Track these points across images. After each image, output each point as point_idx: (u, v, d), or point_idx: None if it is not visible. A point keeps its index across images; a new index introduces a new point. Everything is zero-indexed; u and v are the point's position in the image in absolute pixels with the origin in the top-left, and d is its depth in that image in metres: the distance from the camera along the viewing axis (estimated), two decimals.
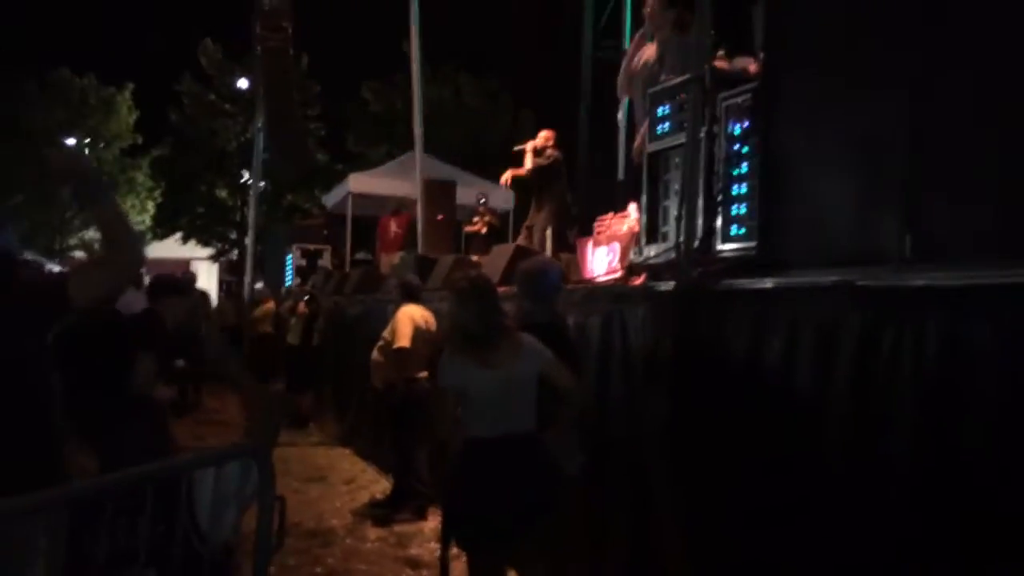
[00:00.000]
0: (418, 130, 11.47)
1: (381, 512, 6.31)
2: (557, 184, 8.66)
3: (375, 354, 6.57)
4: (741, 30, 5.64)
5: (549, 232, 8.48)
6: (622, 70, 6.15)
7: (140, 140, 33.78)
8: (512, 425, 3.47)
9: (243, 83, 28.51)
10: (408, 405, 6.30)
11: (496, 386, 3.45)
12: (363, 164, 23.36)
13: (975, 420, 2.35)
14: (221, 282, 32.83)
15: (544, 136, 8.89)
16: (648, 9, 5.69)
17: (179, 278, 5.72)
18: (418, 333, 6.28)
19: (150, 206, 33.70)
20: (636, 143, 5.88)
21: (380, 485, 7.06)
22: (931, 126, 2.86)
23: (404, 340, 6.25)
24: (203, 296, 11.32)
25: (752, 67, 4.54)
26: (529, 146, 8.81)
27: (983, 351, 2.32)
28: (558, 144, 8.87)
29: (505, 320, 3.67)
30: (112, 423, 2.88)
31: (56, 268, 21.36)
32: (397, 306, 6.59)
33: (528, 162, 8.73)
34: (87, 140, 32.92)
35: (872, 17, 3.19)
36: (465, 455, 3.57)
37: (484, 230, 11.91)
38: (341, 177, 19.43)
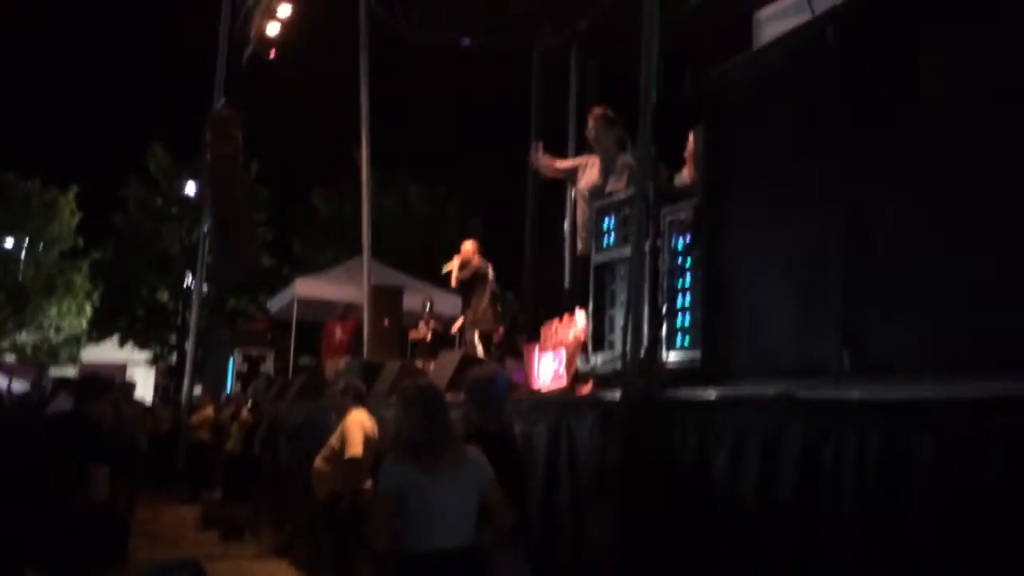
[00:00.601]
0: (367, 235, 11.56)
1: None
2: (481, 291, 9.49)
3: (319, 463, 6.35)
4: (681, 147, 5.88)
5: (476, 336, 9.48)
6: (550, 168, 6.42)
7: (81, 243, 33.30)
8: (452, 538, 3.36)
9: (191, 188, 28.54)
10: (355, 517, 6.11)
11: (438, 496, 3.35)
12: (309, 268, 23.31)
13: (916, 531, 2.38)
14: (157, 386, 32.00)
15: (467, 249, 9.80)
16: (591, 132, 5.91)
17: (104, 377, 5.49)
18: (367, 440, 6.17)
19: (88, 308, 32.96)
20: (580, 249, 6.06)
21: None
22: (866, 243, 2.98)
23: (356, 448, 6.11)
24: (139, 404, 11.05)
25: (689, 180, 4.73)
26: (456, 262, 9.70)
27: (923, 464, 2.37)
28: (484, 253, 9.78)
29: (451, 429, 3.63)
30: (71, 537, 2.76)
31: None
32: (341, 411, 6.46)
33: (453, 279, 9.71)
34: (26, 242, 32.33)
35: (806, 138, 3.37)
36: (401, 570, 3.45)
37: (429, 337, 11.92)
38: (286, 282, 19.35)
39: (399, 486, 3.40)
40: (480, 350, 9.25)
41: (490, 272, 9.78)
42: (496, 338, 9.49)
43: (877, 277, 2.93)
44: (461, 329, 9.77)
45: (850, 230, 3.03)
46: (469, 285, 9.67)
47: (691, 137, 5.32)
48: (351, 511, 6.11)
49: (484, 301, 9.61)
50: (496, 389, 4.09)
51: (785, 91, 3.48)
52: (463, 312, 9.96)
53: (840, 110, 3.12)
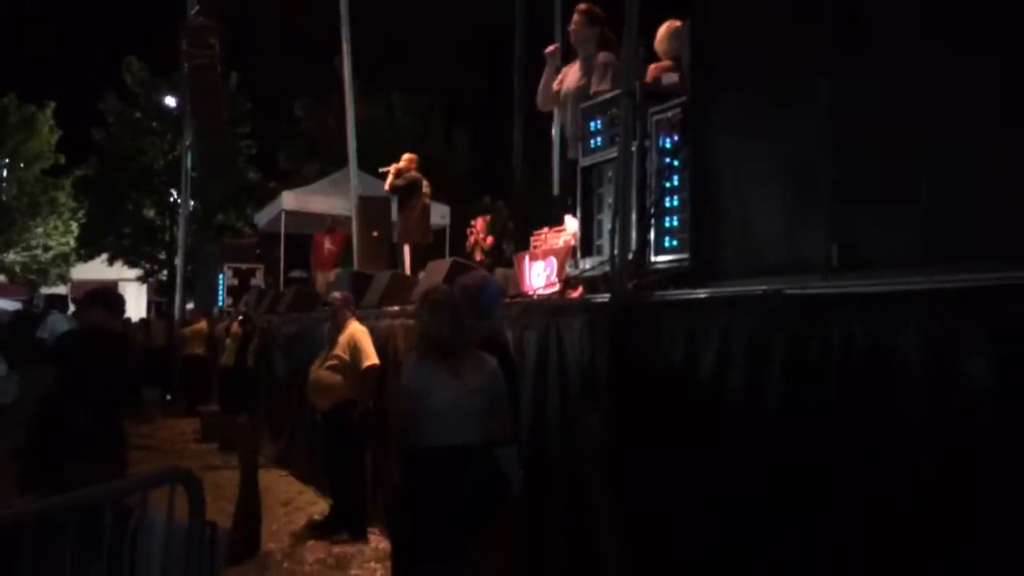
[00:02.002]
0: (352, 146, 11.41)
1: (319, 534, 6.21)
2: (415, 203, 10.02)
3: (323, 373, 6.35)
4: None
5: (406, 249, 10.19)
6: (541, 87, 6.19)
7: (62, 160, 32.74)
8: (465, 436, 3.55)
9: (170, 101, 27.92)
10: (366, 424, 6.20)
11: (457, 396, 3.56)
12: (295, 182, 23.04)
13: (902, 423, 2.42)
14: (150, 303, 32.05)
15: (406, 159, 10.37)
16: (573, 27, 5.75)
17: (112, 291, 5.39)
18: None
19: (74, 227, 32.67)
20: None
21: (318, 507, 6.95)
22: (854, 138, 2.95)
23: (373, 357, 6.18)
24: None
25: (677, 79, 4.63)
26: (392, 168, 10.25)
27: (908, 355, 2.39)
28: (420, 167, 10.38)
29: (471, 335, 3.73)
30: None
31: None
32: (339, 322, 6.45)
33: (387, 183, 10.24)
34: (6, 161, 31.81)
35: (793, 33, 3.29)
36: (415, 463, 3.64)
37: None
38: (273, 195, 19.17)
39: (422, 382, 3.62)
40: (408, 263, 9.94)
41: (424, 186, 10.27)
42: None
43: (865, 173, 2.91)
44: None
45: (837, 127, 2.99)
46: (404, 195, 10.13)
47: (662, 29, 5.19)
48: (371, 417, 6.19)
49: (417, 212, 10.12)
50: (487, 295, 4.11)
51: None
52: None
53: (832, 7, 3.04)
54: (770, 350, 2.88)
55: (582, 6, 5.80)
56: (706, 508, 3.15)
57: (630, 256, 3.95)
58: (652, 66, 5.13)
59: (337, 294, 6.76)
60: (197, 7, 14.10)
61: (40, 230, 32.34)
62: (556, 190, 9.33)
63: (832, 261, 2.92)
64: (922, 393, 2.36)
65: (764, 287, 2.99)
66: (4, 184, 32.03)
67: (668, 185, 3.97)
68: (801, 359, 2.75)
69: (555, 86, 6.01)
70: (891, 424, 2.45)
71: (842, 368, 2.59)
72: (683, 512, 3.27)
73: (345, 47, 11.26)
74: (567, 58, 6.20)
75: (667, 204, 3.99)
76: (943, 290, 2.35)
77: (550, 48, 6.21)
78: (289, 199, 15.42)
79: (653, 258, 4.04)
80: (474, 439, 3.56)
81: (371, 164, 12.67)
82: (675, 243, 3.95)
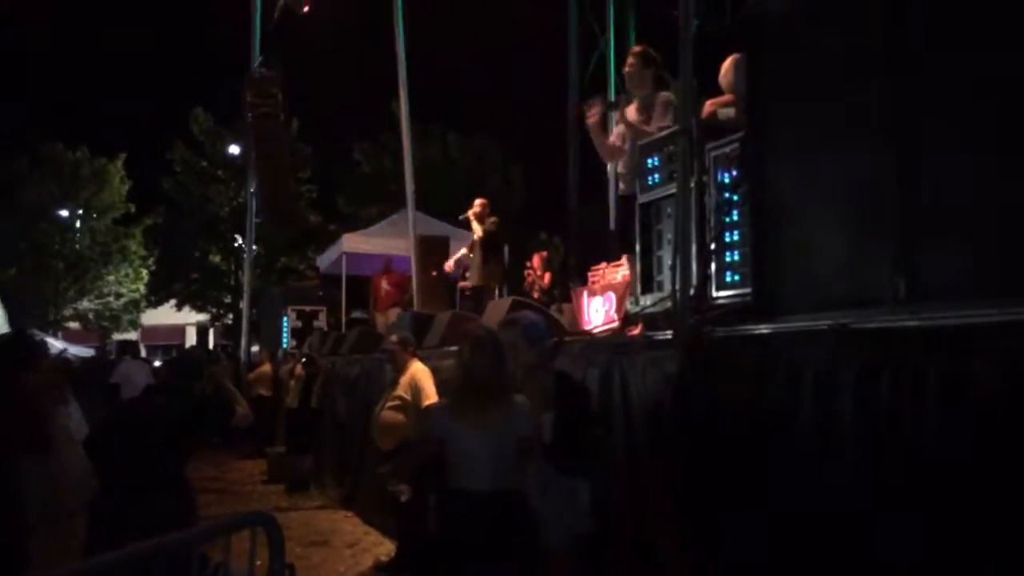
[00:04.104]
0: (410, 187, 11.60)
1: (386, 575, 6.22)
2: (499, 247, 10.10)
3: (388, 414, 6.33)
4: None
5: (497, 293, 10.04)
6: (598, 146, 6.16)
7: (133, 209, 33.96)
8: (497, 481, 3.47)
9: (235, 149, 28.82)
10: (430, 464, 6.19)
11: (486, 441, 3.46)
12: (355, 224, 23.51)
13: (978, 459, 2.36)
14: (216, 346, 32.77)
15: (480, 203, 10.25)
16: (628, 69, 5.79)
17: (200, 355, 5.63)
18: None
19: (144, 274, 33.74)
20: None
21: (384, 547, 6.97)
22: (919, 168, 2.91)
23: (434, 397, 6.16)
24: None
25: (734, 113, 4.63)
26: (470, 214, 10.17)
27: (984, 390, 2.33)
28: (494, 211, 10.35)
29: (510, 380, 3.67)
30: None
31: (51, 339, 21.31)
32: (399, 363, 6.49)
33: (478, 230, 10.09)
34: (80, 212, 33.10)
35: (854, 61, 3.27)
36: (447, 506, 3.59)
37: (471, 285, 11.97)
38: (333, 238, 19.55)
39: (445, 429, 3.54)
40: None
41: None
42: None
43: (931, 202, 2.86)
44: (477, 286, 10.27)
45: (902, 155, 2.95)
46: (491, 240, 10.09)
47: (726, 64, 5.18)
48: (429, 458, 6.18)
49: (500, 256, 10.26)
50: (533, 326, 4.08)
51: (830, 13, 3.37)
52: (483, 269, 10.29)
53: (890, 31, 3.02)
54: (839, 386, 2.83)
55: (636, 48, 5.86)
56: (777, 547, 3.08)
57: (692, 292, 3.94)
58: (709, 101, 5.14)
59: (394, 337, 6.82)
60: (261, 59, 14.58)
61: (112, 278, 33.49)
62: (612, 225, 9.36)
63: (899, 293, 2.87)
64: (1000, 428, 2.30)
65: (830, 321, 2.95)
66: (78, 234, 33.28)
67: (728, 220, 3.96)
68: (872, 395, 2.70)
69: (613, 139, 6.03)
70: (968, 460, 2.38)
71: (915, 404, 2.53)
72: (754, 552, 3.20)
73: (402, 92, 11.50)
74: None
75: (727, 239, 3.98)
76: (1019, 322, 2.29)
77: (591, 118, 6.18)
78: (349, 241, 15.70)
79: (715, 293, 4.02)
80: (504, 484, 3.48)
81: (429, 204, 12.86)
82: (737, 278, 3.93)
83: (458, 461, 3.51)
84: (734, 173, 3.96)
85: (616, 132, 6.03)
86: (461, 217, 10.62)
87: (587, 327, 5.51)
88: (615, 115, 6.10)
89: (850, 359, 2.79)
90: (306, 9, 13.49)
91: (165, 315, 35.35)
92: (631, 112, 5.66)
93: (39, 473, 3.32)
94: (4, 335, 4.67)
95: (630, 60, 5.80)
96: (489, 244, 10.10)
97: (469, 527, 3.47)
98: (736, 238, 3.95)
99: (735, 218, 3.94)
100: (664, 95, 5.55)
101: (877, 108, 3.08)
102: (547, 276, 11.22)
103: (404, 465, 3.69)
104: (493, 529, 3.45)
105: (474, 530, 3.45)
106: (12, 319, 16.30)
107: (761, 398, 3.20)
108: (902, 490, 2.59)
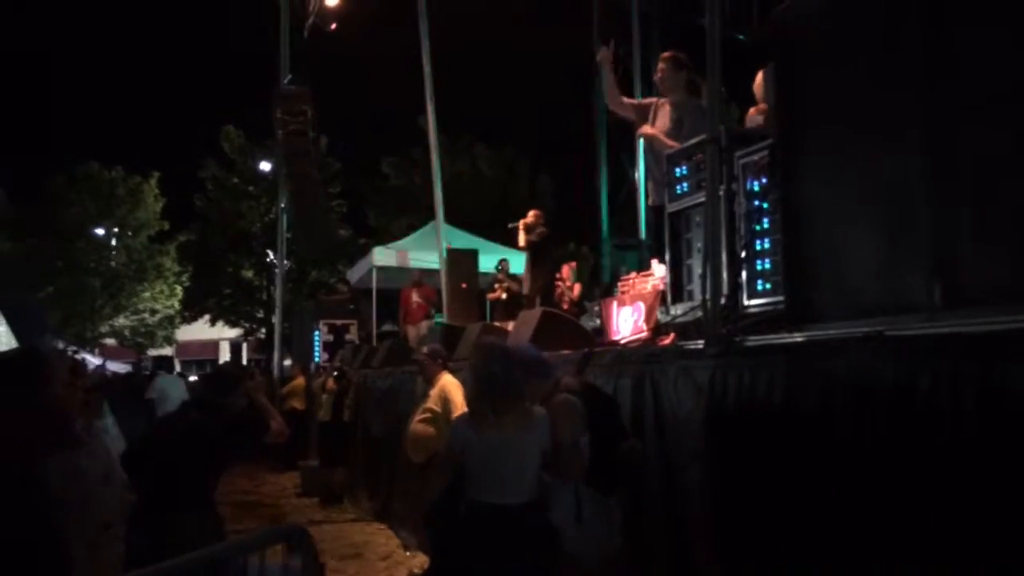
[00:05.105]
0: (438, 200, 11.66)
1: None
2: (548, 260, 10.04)
3: (420, 426, 6.31)
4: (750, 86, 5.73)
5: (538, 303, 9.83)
6: (606, 90, 6.28)
7: (167, 227, 34.50)
8: (514, 492, 3.48)
9: (265, 166, 29.16)
10: (461, 476, 6.18)
11: (502, 450, 3.48)
12: (384, 237, 23.66)
13: (1019, 467, 2.31)
14: (250, 360, 33.10)
15: (533, 214, 10.32)
16: (659, 75, 5.79)
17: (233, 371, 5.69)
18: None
19: (178, 290, 34.21)
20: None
21: (417, 560, 6.97)
22: (952, 171, 2.86)
23: (463, 408, 6.14)
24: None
25: (762, 120, 4.60)
26: (521, 224, 10.23)
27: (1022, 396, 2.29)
28: (547, 222, 10.32)
29: (522, 387, 3.66)
30: None
31: (89, 356, 21.65)
32: (430, 376, 6.48)
33: (521, 240, 10.15)
34: (115, 230, 33.67)
35: (883, 67, 3.23)
36: (466, 517, 3.58)
37: (503, 296, 11.96)
38: (364, 252, 19.69)
39: (463, 442, 3.57)
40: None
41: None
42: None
43: (965, 206, 2.81)
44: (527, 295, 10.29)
45: (935, 159, 2.91)
46: (536, 250, 10.11)
47: (759, 75, 5.17)
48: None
49: (549, 270, 10.24)
50: (523, 350, 4.07)
51: (859, 19, 3.34)
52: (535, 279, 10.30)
53: (919, 35, 2.99)
54: (875, 394, 2.79)
55: (666, 54, 5.86)
56: (812, 558, 3.04)
57: (723, 300, 3.90)
58: (752, 109, 5.15)
59: (424, 349, 6.83)
60: (290, 76, 14.75)
61: (147, 294, 34.02)
62: (642, 235, 9.34)
63: (935, 300, 2.82)
64: None
65: (865, 329, 2.91)
66: (114, 252, 33.86)
67: (758, 228, 3.93)
68: (908, 403, 2.65)
69: (628, 101, 6.19)
70: (1009, 469, 2.34)
71: (953, 412, 2.48)
72: (788, 563, 3.16)
73: (429, 106, 11.59)
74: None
75: (758, 247, 3.95)
76: None
77: (602, 54, 6.19)
78: (379, 255, 15.80)
79: (746, 302, 3.99)
80: (519, 497, 3.49)
81: (458, 217, 12.93)
82: (768, 286, 3.90)
83: (476, 472, 3.53)
84: (763, 180, 3.93)
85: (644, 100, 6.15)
86: (511, 226, 10.71)
87: (615, 337, 5.47)
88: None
89: (886, 367, 2.75)
90: (333, 26, 13.65)
91: (199, 330, 35.78)
92: (664, 119, 5.66)
93: (72, 471, 3.34)
94: (11, 350, 4.76)
95: (660, 66, 5.80)
96: (534, 255, 10.17)
97: (486, 539, 3.47)
98: (767, 246, 3.92)
99: (765, 226, 3.91)
100: (694, 102, 5.54)
101: (911, 112, 3.04)
102: (576, 287, 11.20)
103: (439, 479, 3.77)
104: (508, 541, 3.44)
105: (490, 542, 3.46)
106: (22, 337, 16.43)
107: (795, 407, 3.16)
108: (941, 499, 2.54)
